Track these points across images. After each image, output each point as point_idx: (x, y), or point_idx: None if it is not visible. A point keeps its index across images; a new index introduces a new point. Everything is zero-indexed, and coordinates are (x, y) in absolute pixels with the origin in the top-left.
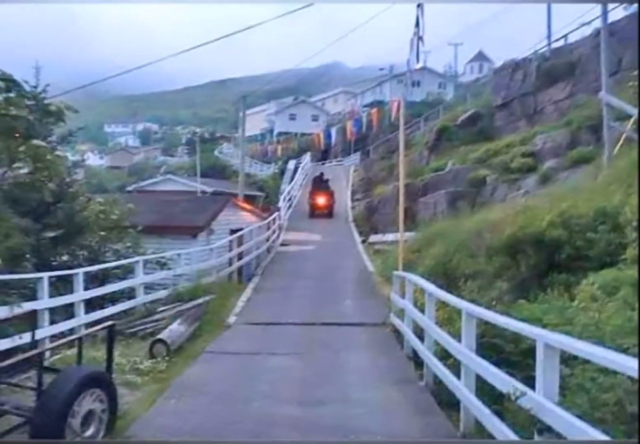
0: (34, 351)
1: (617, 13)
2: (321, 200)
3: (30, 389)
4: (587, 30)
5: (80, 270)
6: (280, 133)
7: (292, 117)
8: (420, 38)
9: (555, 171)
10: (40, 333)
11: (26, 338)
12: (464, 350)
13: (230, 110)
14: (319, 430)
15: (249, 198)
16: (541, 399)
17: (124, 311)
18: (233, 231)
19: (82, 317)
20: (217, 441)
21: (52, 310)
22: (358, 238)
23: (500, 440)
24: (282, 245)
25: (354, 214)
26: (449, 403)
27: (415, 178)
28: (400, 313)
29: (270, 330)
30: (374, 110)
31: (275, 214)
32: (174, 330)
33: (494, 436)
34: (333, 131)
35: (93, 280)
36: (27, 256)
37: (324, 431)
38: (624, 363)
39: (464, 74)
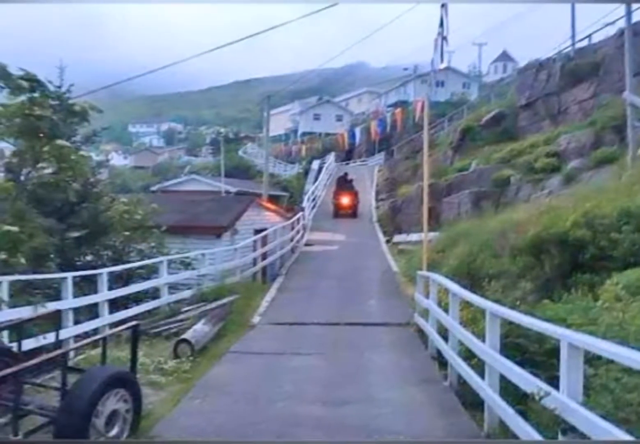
0: (58, 351)
1: None
2: (345, 200)
3: (54, 389)
4: (611, 30)
5: (105, 270)
6: (304, 133)
7: (316, 117)
8: (444, 38)
9: (579, 171)
10: (64, 333)
11: (50, 338)
12: (488, 350)
13: (254, 110)
14: (343, 430)
15: (273, 198)
16: (565, 399)
17: (148, 311)
18: (257, 231)
19: (106, 317)
20: (241, 441)
21: (76, 310)
22: (382, 238)
23: (525, 440)
24: (306, 245)
25: (378, 214)
26: (473, 403)
27: (440, 178)
28: (425, 313)
29: (295, 330)
30: (398, 110)
31: (299, 214)
32: (198, 330)
33: (518, 436)
34: (357, 131)
35: (117, 280)
36: (51, 256)
37: (348, 431)
38: None
39: (488, 74)
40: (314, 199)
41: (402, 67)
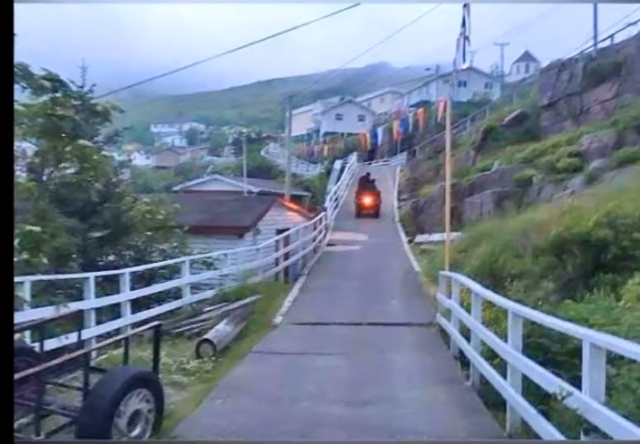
0: (81, 351)
1: None
2: (367, 200)
3: (76, 389)
4: (633, 30)
5: (127, 270)
6: (326, 133)
7: (339, 117)
8: (466, 38)
9: (602, 171)
10: (86, 333)
11: (72, 338)
12: (510, 350)
13: (276, 110)
14: (365, 430)
15: (296, 198)
16: (587, 399)
17: (171, 311)
18: (279, 231)
19: (128, 317)
20: (264, 441)
21: (99, 310)
22: (404, 238)
23: (547, 440)
24: (329, 245)
25: (400, 214)
26: (495, 403)
27: (462, 178)
28: (447, 313)
29: (317, 330)
30: (421, 110)
31: (322, 214)
32: (221, 330)
33: (540, 436)
34: (379, 131)
35: (139, 280)
36: (74, 256)
37: (370, 431)
38: None
39: (510, 74)
40: (336, 199)
41: (424, 67)
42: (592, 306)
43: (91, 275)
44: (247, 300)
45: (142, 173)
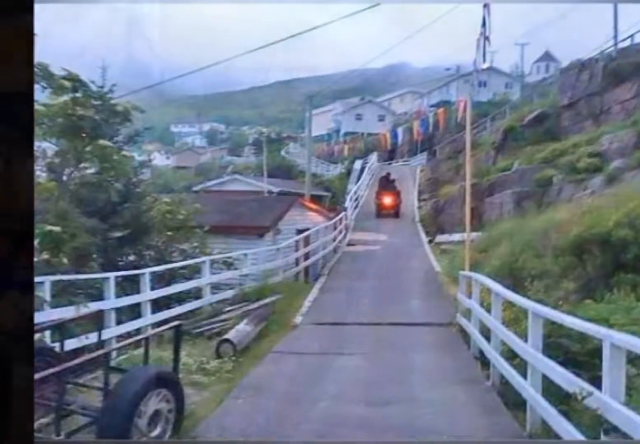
0: (101, 351)
1: None
2: (388, 200)
3: (96, 389)
4: None
5: (147, 270)
6: (346, 133)
7: (359, 117)
8: (486, 38)
9: (622, 171)
10: (106, 333)
11: (93, 338)
12: (531, 350)
13: (296, 110)
14: (385, 430)
15: (316, 198)
16: (607, 399)
17: (191, 311)
18: (299, 231)
19: (148, 317)
20: (284, 441)
21: (119, 310)
22: (424, 238)
23: (567, 440)
24: (349, 245)
25: (420, 214)
26: (515, 402)
27: (482, 178)
28: (467, 313)
29: (337, 330)
30: (441, 110)
31: (342, 214)
32: (241, 330)
33: (561, 436)
34: (400, 131)
35: (159, 280)
36: (94, 256)
37: (390, 431)
38: None
39: (530, 74)
40: (356, 199)
41: (444, 67)
42: (612, 306)
43: (111, 275)
44: (267, 300)
45: (163, 173)
